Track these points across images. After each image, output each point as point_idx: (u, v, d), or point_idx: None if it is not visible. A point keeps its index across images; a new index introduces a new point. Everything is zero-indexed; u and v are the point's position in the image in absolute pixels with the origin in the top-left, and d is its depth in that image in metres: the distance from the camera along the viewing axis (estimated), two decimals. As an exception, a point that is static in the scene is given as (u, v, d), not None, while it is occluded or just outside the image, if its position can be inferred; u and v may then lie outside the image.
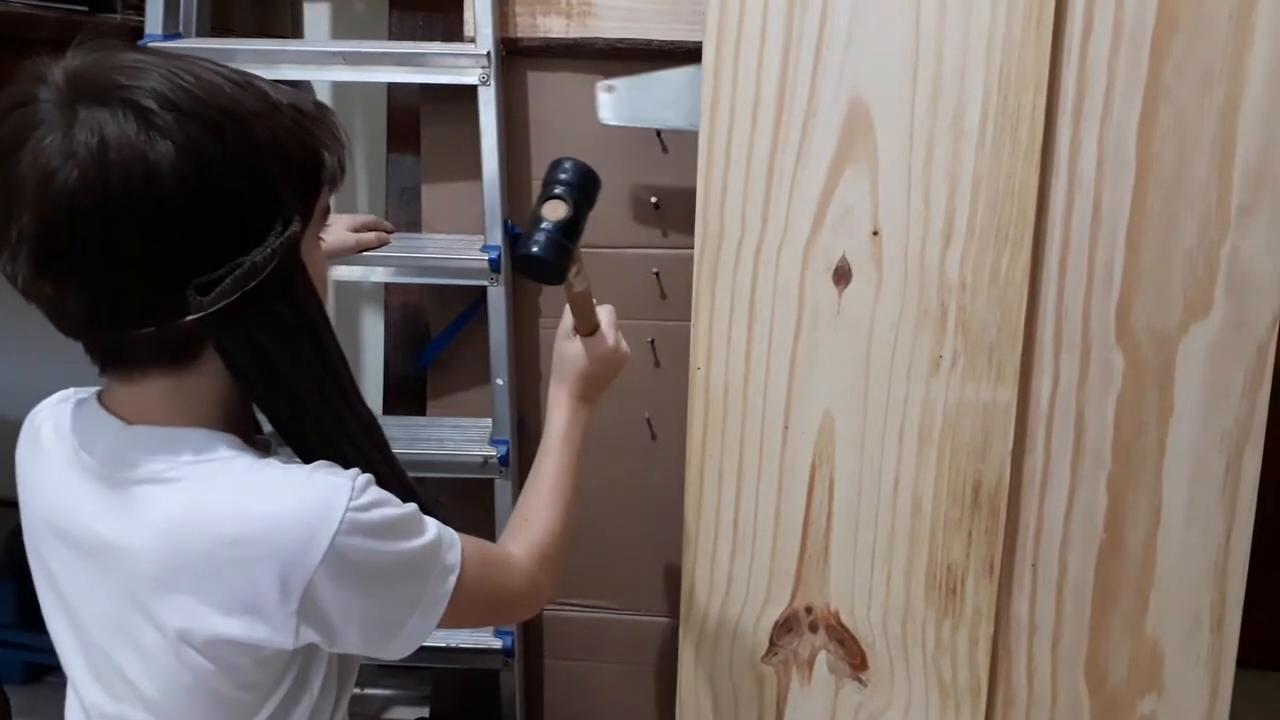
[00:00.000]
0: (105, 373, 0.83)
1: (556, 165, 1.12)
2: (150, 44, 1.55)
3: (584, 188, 1.11)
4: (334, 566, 0.78)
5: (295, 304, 0.82)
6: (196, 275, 0.76)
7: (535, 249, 1.06)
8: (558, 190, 1.09)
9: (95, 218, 0.73)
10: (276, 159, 0.80)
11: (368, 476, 0.82)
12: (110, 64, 0.76)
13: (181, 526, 0.79)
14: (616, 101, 1.54)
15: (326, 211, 0.87)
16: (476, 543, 0.92)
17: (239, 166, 0.77)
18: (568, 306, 1.16)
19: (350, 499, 0.79)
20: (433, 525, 0.86)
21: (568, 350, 1.16)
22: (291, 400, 0.83)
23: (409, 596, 0.85)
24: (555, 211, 1.08)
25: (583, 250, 1.12)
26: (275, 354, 0.81)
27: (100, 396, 0.87)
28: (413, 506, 0.85)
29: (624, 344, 1.18)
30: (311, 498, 0.80)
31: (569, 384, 1.15)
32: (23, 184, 0.73)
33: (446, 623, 0.87)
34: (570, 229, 1.08)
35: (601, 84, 1.54)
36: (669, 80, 1.51)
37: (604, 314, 1.17)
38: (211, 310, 0.76)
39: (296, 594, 0.78)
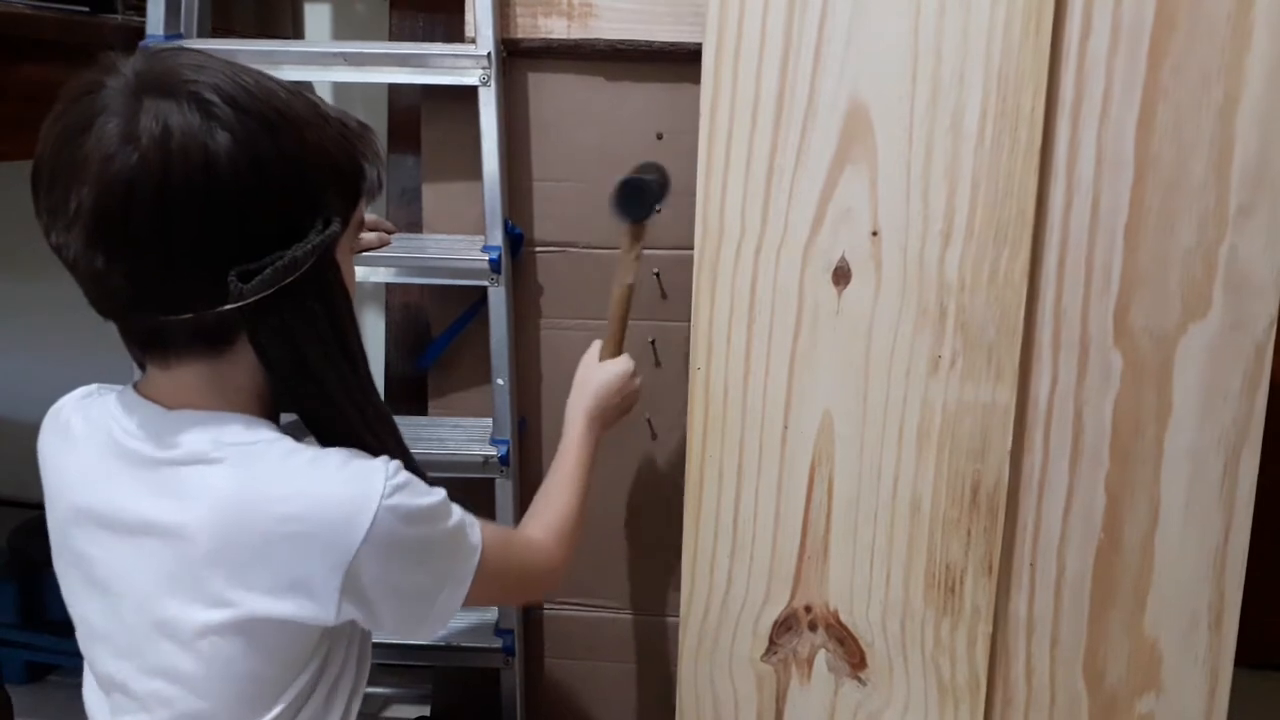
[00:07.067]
0: (144, 358, 0.87)
1: (646, 163, 1.42)
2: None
3: (663, 175, 1.42)
4: (375, 544, 0.82)
5: (328, 301, 0.86)
6: (240, 264, 0.80)
7: (641, 176, 1.33)
8: (650, 168, 1.40)
9: (151, 197, 0.77)
10: (322, 163, 0.85)
11: (398, 462, 0.87)
12: (176, 61, 0.81)
13: (233, 504, 0.82)
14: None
15: (361, 223, 0.92)
16: (494, 525, 0.98)
17: (289, 164, 0.81)
18: (596, 342, 1.33)
19: (387, 480, 0.84)
20: (456, 509, 0.92)
21: (590, 374, 1.31)
22: (318, 392, 0.87)
23: (439, 573, 0.90)
24: (650, 173, 1.37)
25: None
26: (306, 347, 0.85)
27: (137, 386, 0.90)
28: (441, 491, 0.90)
29: (638, 381, 1.34)
30: (354, 478, 0.84)
31: (587, 401, 1.28)
32: (85, 162, 0.77)
33: (473, 600, 0.92)
34: (660, 185, 1.38)
35: None
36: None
37: (624, 357, 1.36)
38: (250, 300, 0.80)
39: (341, 570, 0.82)
